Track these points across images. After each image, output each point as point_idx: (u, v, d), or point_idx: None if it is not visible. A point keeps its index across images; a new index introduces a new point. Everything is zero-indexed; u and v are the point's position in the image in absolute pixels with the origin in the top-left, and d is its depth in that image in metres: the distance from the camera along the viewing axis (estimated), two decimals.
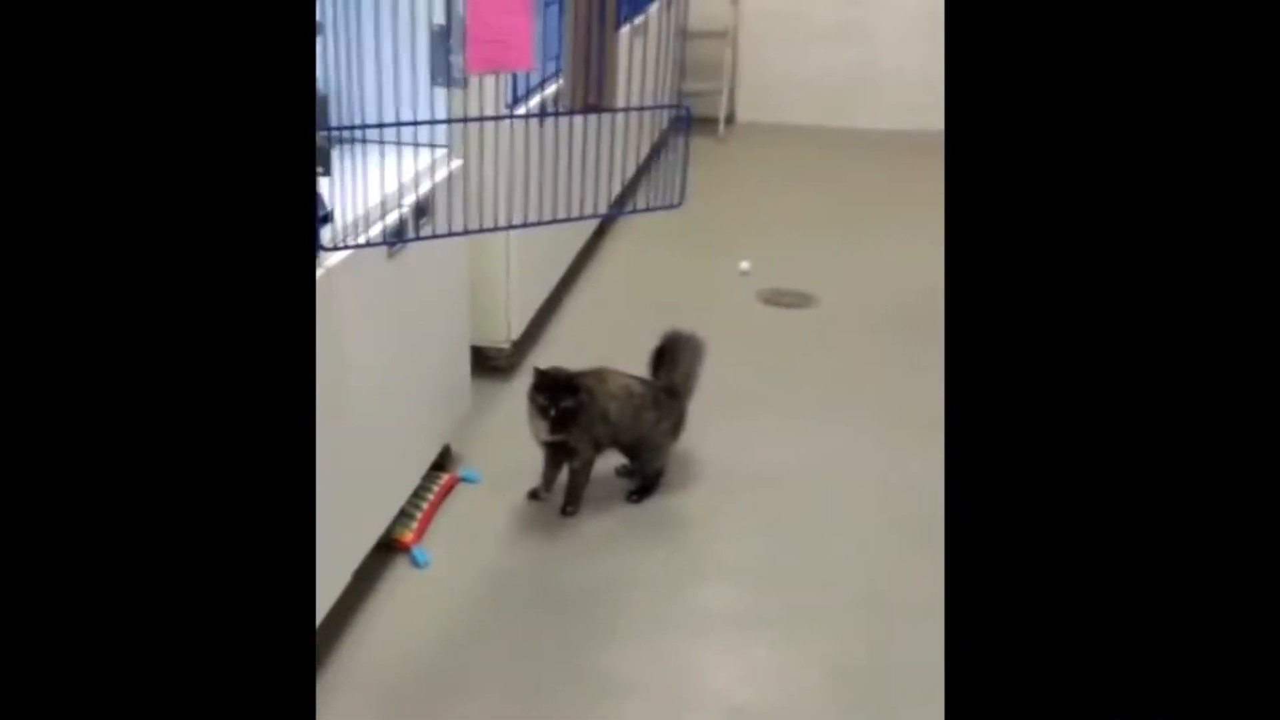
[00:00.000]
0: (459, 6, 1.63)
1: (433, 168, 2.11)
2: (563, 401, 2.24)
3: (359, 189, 1.71)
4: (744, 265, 3.72)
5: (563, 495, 2.40)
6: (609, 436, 2.37)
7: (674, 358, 2.45)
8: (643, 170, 4.02)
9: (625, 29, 3.17)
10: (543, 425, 2.28)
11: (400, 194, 1.95)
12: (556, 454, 2.38)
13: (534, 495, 2.43)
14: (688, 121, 1.93)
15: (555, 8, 1.77)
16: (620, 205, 3.55)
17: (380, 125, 1.75)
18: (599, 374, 2.36)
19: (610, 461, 2.48)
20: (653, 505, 2.45)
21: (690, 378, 2.47)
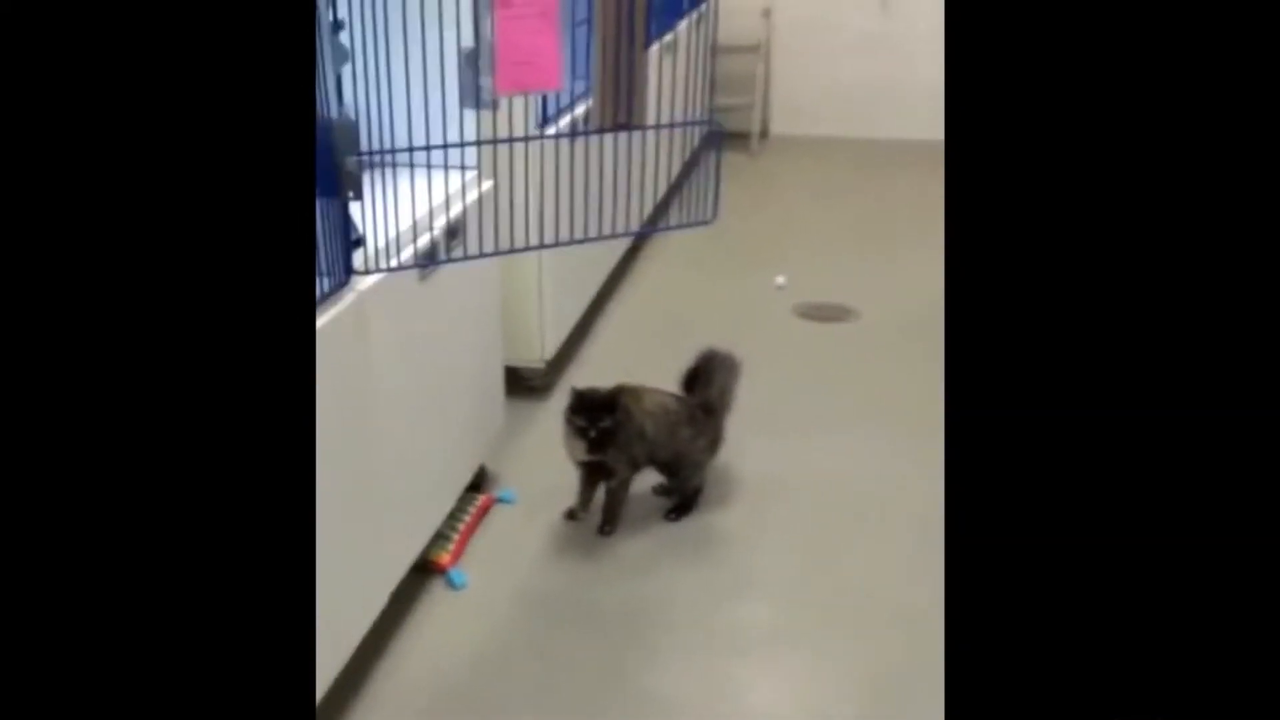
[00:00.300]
0: (487, 29, 1.64)
1: (464, 190, 2.12)
2: (601, 422, 2.23)
3: (390, 212, 1.72)
4: (780, 280, 3.70)
5: (600, 515, 2.39)
6: (646, 455, 2.36)
7: (709, 375, 2.44)
8: (675, 187, 4.02)
9: (655, 46, 3.17)
10: (580, 445, 2.27)
11: (431, 216, 1.96)
12: (593, 473, 2.38)
13: (571, 515, 2.42)
14: (719, 137, 1.92)
15: (584, 28, 1.77)
16: (653, 223, 3.55)
17: (411, 149, 1.75)
18: (635, 392, 2.35)
19: (648, 480, 2.47)
20: (691, 523, 2.43)
21: (726, 394, 2.45)
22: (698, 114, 1.93)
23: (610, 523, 2.37)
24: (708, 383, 2.43)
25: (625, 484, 2.37)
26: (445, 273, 2.03)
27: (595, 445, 2.25)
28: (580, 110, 2.68)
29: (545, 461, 2.54)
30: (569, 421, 2.27)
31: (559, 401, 2.92)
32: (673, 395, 2.40)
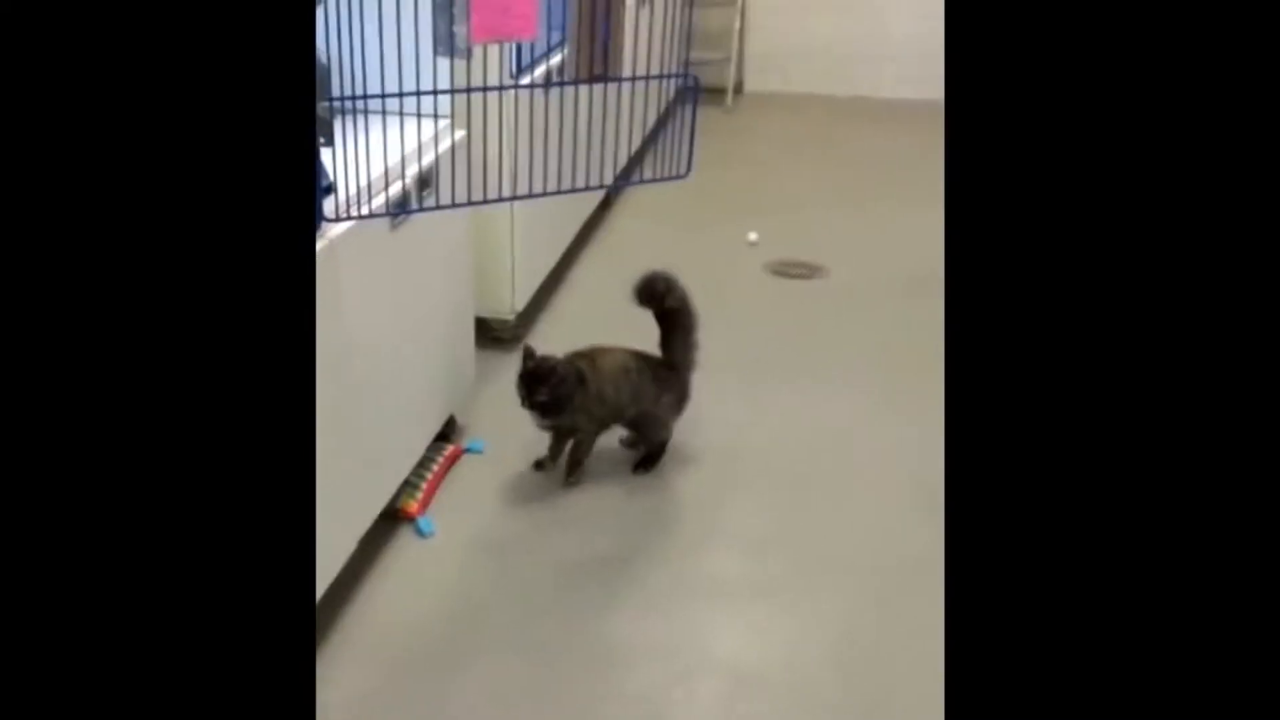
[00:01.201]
0: None
1: (436, 138, 2.10)
2: (537, 395, 2.24)
3: (362, 160, 1.71)
4: (752, 236, 3.70)
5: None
6: (610, 415, 2.38)
7: (671, 330, 2.43)
8: (649, 141, 4.01)
9: None
10: (531, 414, 2.29)
11: (403, 165, 1.95)
12: (560, 431, 2.39)
13: (539, 465, 2.44)
14: (695, 91, 1.92)
15: None
16: (626, 176, 3.53)
17: (383, 95, 1.73)
18: (593, 355, 2.35)
19: (615, 431, 2.49)
20: (658, 475, 2.45)
21: (690, 350, 2.46)
22: (673, 67, 1.92)
23: (573, 473, 2.39)
24: (670, 339, 2.44)
25: (589, 439, 2.39)
26: (417, 222, 2.02)
27: (544, 413, 2.27)
28: (555, 60, 2.66)
29: (513, 413, 2.54)
30: (517, 388, 2.28)
31: None
32: (635, 353, 2.41)
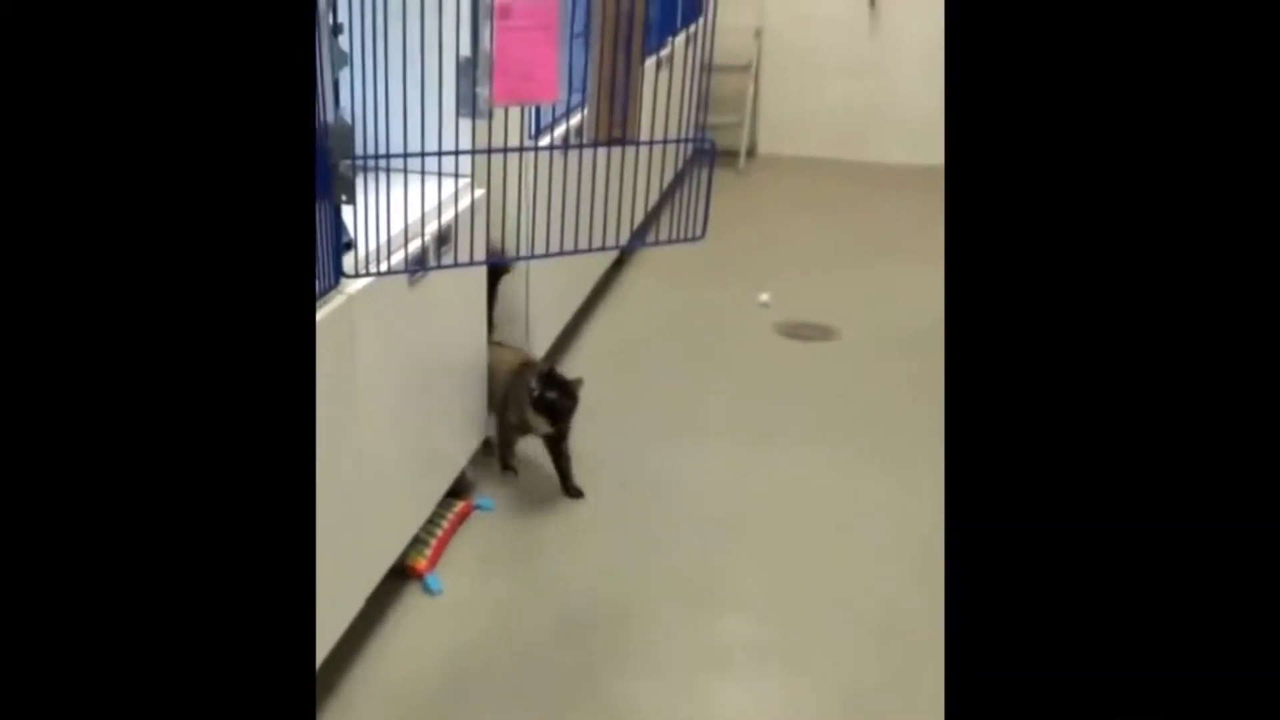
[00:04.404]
0: (485, 39, 1.65)
1: (456, 197, 2.13)
2: (566, 400, 2.43)
3: (382, 217, 1.73)
4: (763, 297, 3.72)
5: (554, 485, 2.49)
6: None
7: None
8: (664, 201, 4.04)
9: (650, 61, 3.19)
10: (543, 420, 2.44)
11: (423, 222, 1.97)
12: (555, 436, 2.53)
13: (513, 469, 2.61)
14: (711, 154, 1.94)
15: (581, 39, 1.78)
16: (641, 236, 3.56)
17: (405, 155, 1.76)
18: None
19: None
20: (664, 534, 2.44)
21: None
22: (689, 131, 1.94)
23: (572, 483, 2.55)
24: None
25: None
26: (434, 279, 2.03)
27: (562, 416, 2.45)
28: (574, 121, 2.70)
29: (524, 470, 2.54)
30: (539, 398, 2.40)
31: None
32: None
